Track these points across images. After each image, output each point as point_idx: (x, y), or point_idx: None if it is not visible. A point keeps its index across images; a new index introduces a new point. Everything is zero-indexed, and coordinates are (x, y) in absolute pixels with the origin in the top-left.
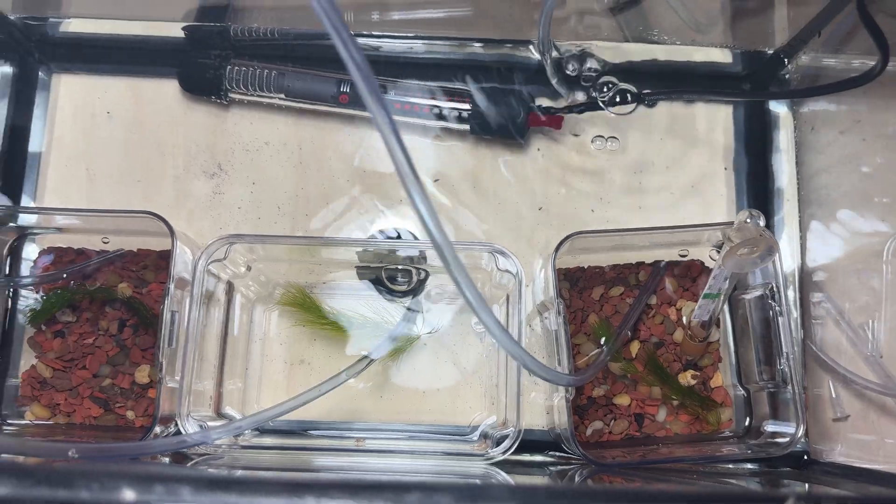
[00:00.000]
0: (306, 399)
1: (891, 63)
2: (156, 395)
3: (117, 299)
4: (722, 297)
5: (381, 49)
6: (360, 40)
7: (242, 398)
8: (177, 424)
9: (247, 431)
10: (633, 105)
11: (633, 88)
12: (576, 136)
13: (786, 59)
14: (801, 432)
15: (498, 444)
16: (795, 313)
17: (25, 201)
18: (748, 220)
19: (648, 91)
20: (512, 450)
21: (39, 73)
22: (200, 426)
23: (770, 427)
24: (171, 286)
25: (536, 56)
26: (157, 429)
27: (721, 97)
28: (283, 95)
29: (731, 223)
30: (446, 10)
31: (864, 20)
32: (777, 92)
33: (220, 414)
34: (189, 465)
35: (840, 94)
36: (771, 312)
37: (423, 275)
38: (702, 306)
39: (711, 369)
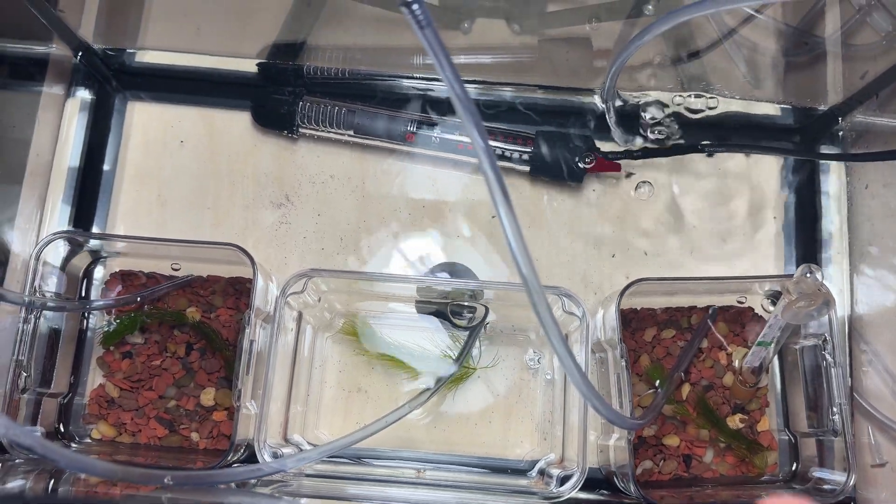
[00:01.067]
0: (373, 430)
1: None
2: (233, 422)
3: (186, 323)
4: (774, 346)
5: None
6: (421, 83)
7: (303, 423)
8: (245, 450)
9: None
10: (690, 154)
11: (688, 139)
12: (629, 176)
13: (839, 118)
14: (851, 482)
15: (561, 482)
16: (845, 362)
17: (98, 222)
18: (807, 275)
19: (706, 142)
20: (578, 489)
21: (116, 101)
22: (275, 454)
23: (818, 473)
24: (252, 315)
25: (599, 103)
26: (229, 456)
27: (776, 153)
28: (352, 132)
29: (791, 276)
30: (511, 55)
31: None
32: (828, 154)
33: (287, 440)
34: (262, 490)
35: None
36: (824, 363)
37: (479, 311)
38: (754, 353)
39: (759, 413)
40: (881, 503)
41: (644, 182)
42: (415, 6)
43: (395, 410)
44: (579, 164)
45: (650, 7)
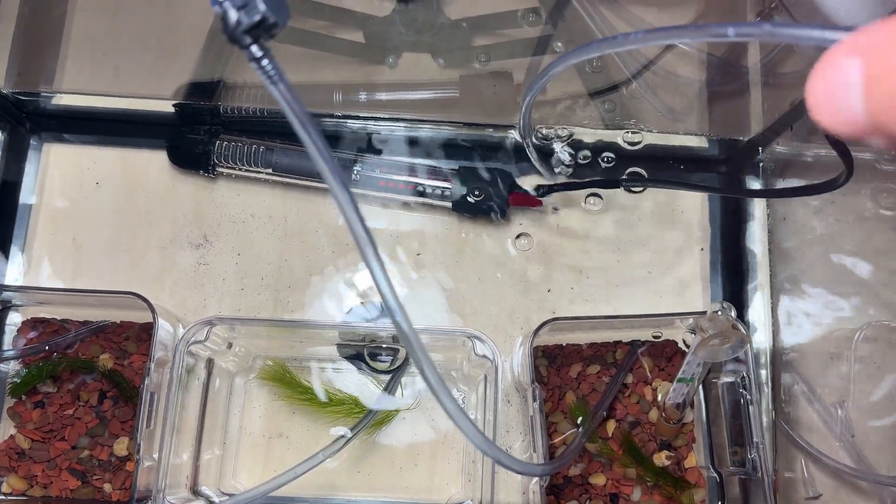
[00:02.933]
0: (283, 481)
1: (859, 156)
2: (133, 474)
3: (98, 370)
4: (695, 382)
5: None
6: (341, 120)
7: (219, 470)
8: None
9: None
10: (613, 189)
11: (615, 170)
12: (555, 211)
13: (760, 148)
14: None
15: None
16: (767, 391)
17: (13, 266)
18: (719, 312)
19: (626, 178)
20: None
21: (31, 142)
22: None
23: None
24: (152, 366)
25: (518, 138)
26: None
27: (692, 189)
28: (270, 170)
29: (704, 313)
30: (433, 91)
31: (828, 138)
32: (746, 191)
33: (195, 492)
34: None
35: (817, 173)
36: (742, 401)
37: (405, 352)
38: (676, 389)
39: (685, 450)
40: None
41: (572, 217)
42: (264, 62)
43: (308, 459)
44: (501, 200)
45: (559, 44)
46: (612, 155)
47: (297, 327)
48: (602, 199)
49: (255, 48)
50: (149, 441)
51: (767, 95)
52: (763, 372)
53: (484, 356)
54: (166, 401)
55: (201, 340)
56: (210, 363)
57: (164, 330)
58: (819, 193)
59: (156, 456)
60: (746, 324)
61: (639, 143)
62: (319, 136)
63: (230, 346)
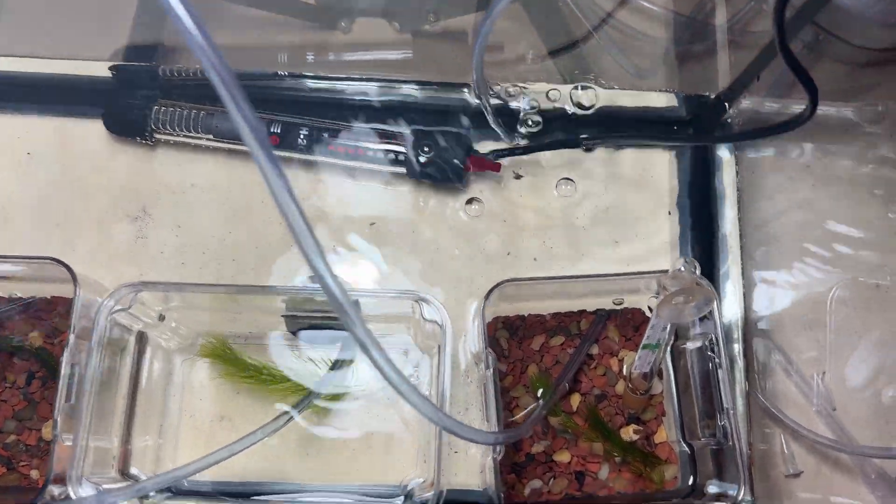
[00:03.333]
0: (217, 459)
1: (836, 107)
2: (50, 453)
3: (25, 349)
4: (662, 348)
5: (325, 90)
6: (294, 81)
7: (157, 457)
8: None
9: (155, 495)
10: (572, 149)
11: (573, 133)
12: (517, 178)
13: (727, 104)
14: (742, 493)
15: None
16: (740, 363)
17: None
18: (682, 269)
19: (585, 136)
20: None
21: None
22: (97, 489)
23: (713, 488)
24: (72, 337)
25: (473, 99)
26: (56, 490)
27: (656, 142)
28: (210, 136)
29: (666, 271)
30: (385, 52)
31: (790, 64)
32: (713, 136)
33: (125, 475)
34: None
35: (789, 139)
36: (711, 365)
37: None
38: (641, 357)
39: (655, 423)
40: None
41: (533, 182)
42: None
43: (246, 437)
44: (454, 165)
45: None
46: (576, 112)
47: (235, 293)
48: (574, 182)
49: None
50: (70, 419)
51: (734, 53)
52: (736, 346)
53: (433, 320)
54: (81, 374)
55: (126, 308)
56: (142, 338)
57: (92, 303)
58: (787, 131)
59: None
60: (718, 290)
61: (600, 105)
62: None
63: (162, 318)
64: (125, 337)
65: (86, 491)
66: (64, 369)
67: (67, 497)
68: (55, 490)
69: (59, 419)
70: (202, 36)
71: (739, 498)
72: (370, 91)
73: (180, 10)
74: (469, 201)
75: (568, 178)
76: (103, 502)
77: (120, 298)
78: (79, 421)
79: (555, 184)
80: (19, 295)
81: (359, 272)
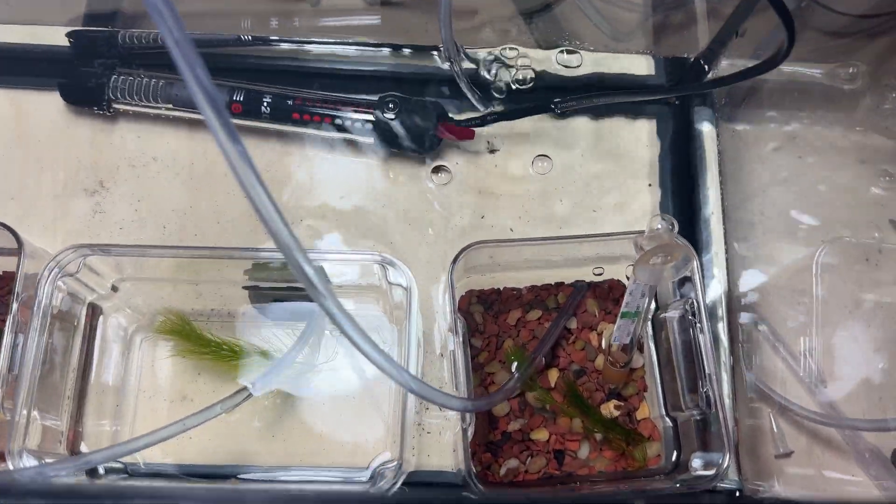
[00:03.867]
0: (170, 433)
1: (814, 69)
2: None
3: None
4: (641, 316)
5: (290, 57)
6: (259, 48)
7: (113, 440)
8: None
9: (108, 474)
10: (551, 117)
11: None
12: (492, 151)
13: (706, 66)
14: (727, 461)
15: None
16: (724, 340)
17: None
18: (659, 227)
19: (559, 100)
20: (394, 488)
21: None
22: (39, 463)
23: (697, 460)
24: (15, 305)
25: (446, 64)
26: None
27: (629, 98)
28: (170, 105)
29: (643, 231)
30: (356, 17)
31: (771, 2)
32: (689, 86)
33: (74, 454)
34: None
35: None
36: (692, 331)
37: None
38: (620, 327)
39: (637, 399)
40: (772, 492)
41: (504, 152)
42: None
43: (202, 411)
44: (426, 133)
45: None
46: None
47: (191, 256)
48: (550, 159)
49: None
50: (12, 391)
51: (713, 20)
52: (720, 324)
53: (398, 284)
54: (23, 346)
55: (73, 273)
56: (94, 311)
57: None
58: (770, 69)
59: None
60: (701, 264)
61: (579, 72)
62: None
63: (115, 289)
64: (75, 308)
65: (27, 464)
66: (6, 338)
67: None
68: None
69: (1, 390)
70: None
71: (724, 466)
72: (338, 57)
73: None
74: (435, 169)
75: (544, 155)
76: (44, 474)
77: (66, 264)
78: (20, 392)
79: (531, 160)
80: None
81: (326, 244)
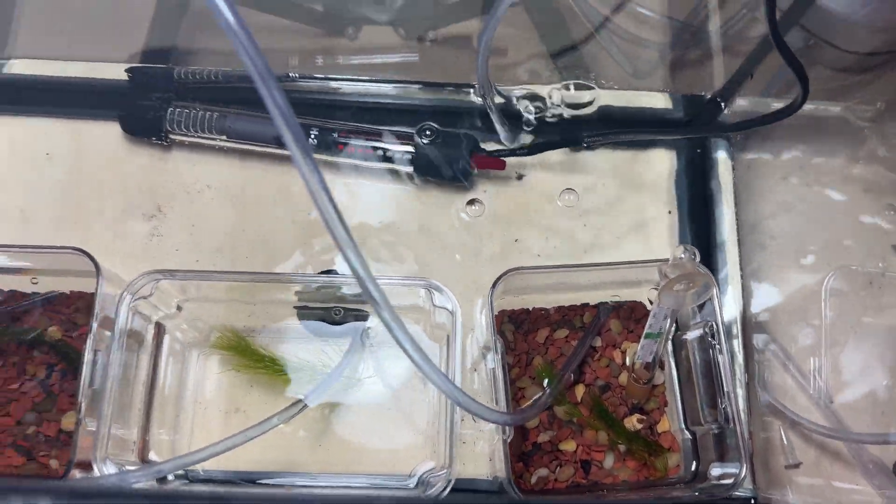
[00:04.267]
0: (233, 444)
1: (826, 105)
2: (73, 436)
3: (45, 343)
4: (663, 337)
5: (333, 92)
6: (304, 83)
7: (173, 448)
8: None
9: (174, 480)
10: (575, 148)
11: (574, 132)
12: (520, 178)
13: (723, 103)
14: (744, 471)
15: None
16: (740, 358)
17: None
18: (682, 256)
19: (587, 134)
20: (445, 492)
21: None
22: (119, 469)
23: (716, 470)
24: (95, 324)
25: (478, 100)
26: (77, 474)
27: (655, 135)
28: (224, 137)
29: (667, 260)
30: (394, 55)
31: (782, 52)
32: (710, 127)
33: (144, 461)
34: None
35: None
36: (711, 352)
37: (363, 315)
38: (644, 346)
39: (658, 413)
40: (785, 502)
41: (537, 181)
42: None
43: (261, 423)
44: (460, 163)
45: None
46: (577, 113)
47: (252, 280)
48: (575, 190)
49: None
50: (92, 405)
51: (728, 57)
52: (735, 342)
53: (443, 307)
54: (107, 363)
55: (146, 296)
56: (160, 329)
57: (112, 295)
58: (782, 118)
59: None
60: (717, 285)
61: (599, 105)
62: (278, 87)
63: (180, 308)
64: (144, 327)
65: (109, 471)
66: (87, 355)
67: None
68: (77, 474)
69: (83, 404)
70: (248, 38)
71: (742, 476)
72: (378, 93)
73: (228, 15)
74: (470, 202)
75: (570, 188)
76: (125, 480)
77: (141, 287)
78: (104, 406)
79: (556, 187)
80: (37, 290)
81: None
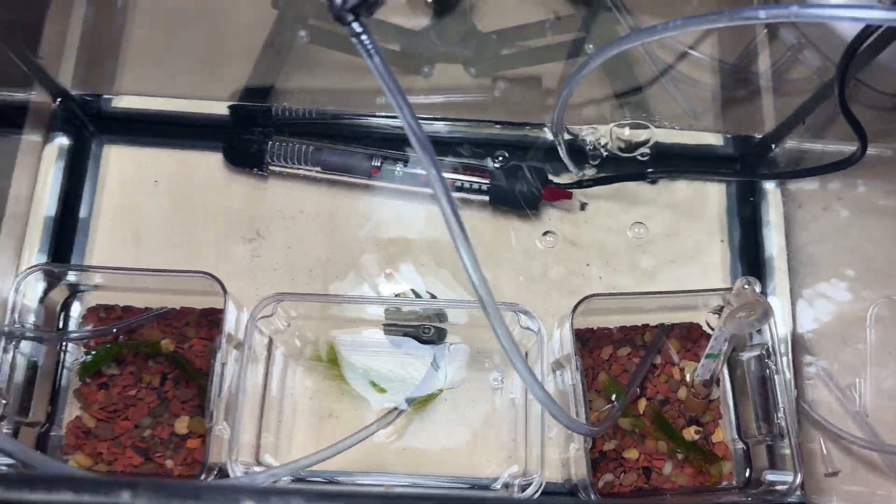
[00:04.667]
0: (343, 447)
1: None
2: (206, 442)
3: (160, 354)
4: (722, 357)
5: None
6: (383, 121)
7: (276, 449)
8: (217, 474)
9: (284, 479)
10: (638, 184)
11: (633, 169)
12: (583, 207)
13: (773, 144)
14: (798, 480)
15: (523, 490)
16: (789, 374)
17: (76, 259)
18: (746, 287)
19: (652, 170)
20: (537, 494)
21: (93, 144)
22: (246, 472)
23: (770, 477)
24: (223, 340)
25: (550, 136)
26: (202, 476)
27: (716, 178)
28: (319, 169)
29: (731, 289)
30: (465, 95)
31: (844, 113)
32: (766, 174)
33: (259, 462)
34: None
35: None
36: (767, 371)
37: (443, 333)
38: (704, 365)
39: (713, 425)
40: None
41: (601, 209)
42: (363, 37)
43: (364, 429)
44: (534, 194)
45: (590, 46)
46: (643, 152)
47: (360, 302)
48: (637, 222)
49: (356, 25)
50: (219, 412)
51: (778, 97)
52: (784, 359)
53: (528, 328)
54: (239, 373)
55: (268, 315)
56: (270, 343)
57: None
58: (840, 170)
59: (222, 427)
60: None
61: (654, 141)
62: (410, 110)
63: (289, 325)
64: (260, 342)
65: (237, 472)
66: (217, 368)
67: (225, 476)
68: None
69: (213, 411)
70: (405, 107)
71: (796, 484)
72: (455, 130)
73: (393, 91)
74: (545, 233)
75: (630, 218)
76: (255, 482)
77: (265, 307)
78: (236, 413)
79: (617, 217)
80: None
81: (444, 290)
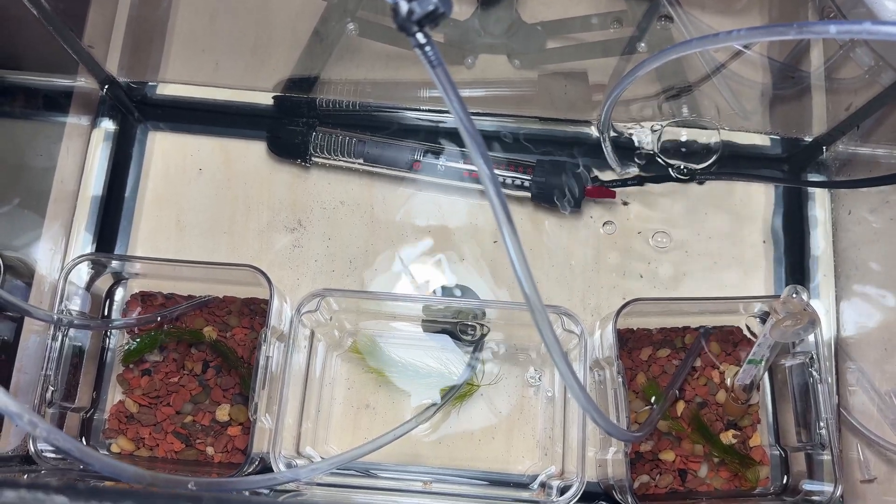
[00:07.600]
0: (382, 442)
1: None
2: (250, 434)
3: (202, 342)
4: (764, 364)
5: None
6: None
7: (314, 438)
8: (258, 463)
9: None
10: (684, 181)
11: (683, 166)
12: (625, 204)
13: (824, 147)
14: (838, 492)
15: (561, 493)
16: (830, 379)
17: (119, 247)
18: (794, 295)
19: (699, 170)
20: (576, 498)
21: (138, 131)
22: (289, 465)
23: (807, 486)
24: (269, 332)
25: (595, 133)
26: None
27: (766, 181)
28: (362, 161)
29: (778, 296)
30: (510, 89)
31: None
32: (811, 182)
33: (299, 453)
34: (281, 499)
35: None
36: (811, 380)
37: (485, 330)
38: (745, 371)
39: (751, 430)
40: None
41: (642, 207)
42: (427, 48)
43: (403, 424)
44: (577, 191)
45: (643, 45)
46: (682, 149)
47: (402, 300)
48: (680, 223)
49: (420, 35)
50: (262, 404)
51: (830, 98)
52: (827, 364)
53: (571, 331)
54: (284, 365)
55: (313, 310)
56: (312, 335)
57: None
58: (893, 183)
59: (265, 418)
60: None
61: (701, 141)
62: (467, 115)
63: (331, 318)
64: (304, 334)
65: (281, 466)
66: (262, 360)
67: (262, 470)
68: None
69: (257, 403)
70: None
71: (836, 495)
72: (499, 124)
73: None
74: (584, 230)
75: (673, 219)
76: (299, 476)
77: (309, 302)
78: (280, 406)
79: (659, 216)
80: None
81: (482, 284)
